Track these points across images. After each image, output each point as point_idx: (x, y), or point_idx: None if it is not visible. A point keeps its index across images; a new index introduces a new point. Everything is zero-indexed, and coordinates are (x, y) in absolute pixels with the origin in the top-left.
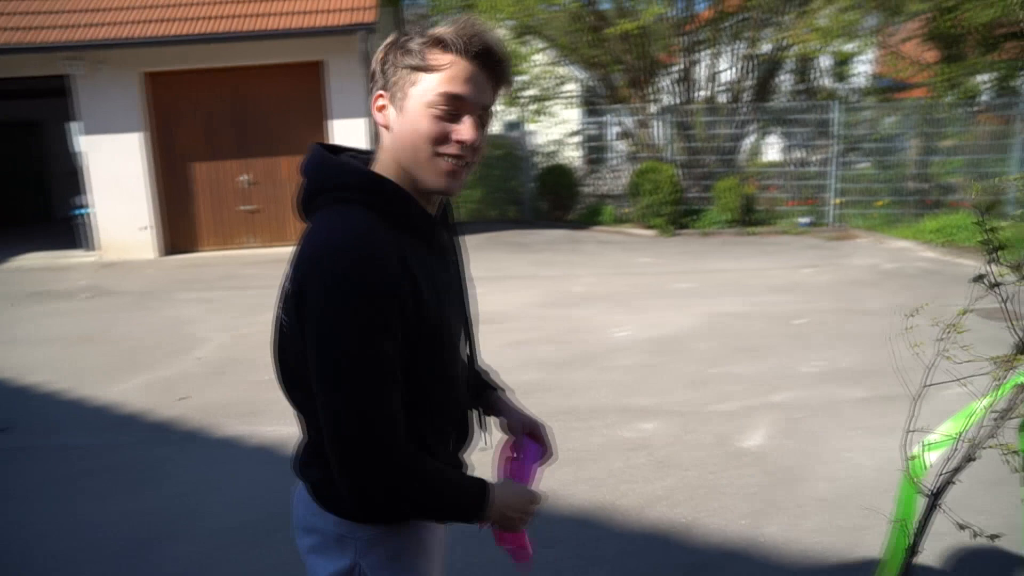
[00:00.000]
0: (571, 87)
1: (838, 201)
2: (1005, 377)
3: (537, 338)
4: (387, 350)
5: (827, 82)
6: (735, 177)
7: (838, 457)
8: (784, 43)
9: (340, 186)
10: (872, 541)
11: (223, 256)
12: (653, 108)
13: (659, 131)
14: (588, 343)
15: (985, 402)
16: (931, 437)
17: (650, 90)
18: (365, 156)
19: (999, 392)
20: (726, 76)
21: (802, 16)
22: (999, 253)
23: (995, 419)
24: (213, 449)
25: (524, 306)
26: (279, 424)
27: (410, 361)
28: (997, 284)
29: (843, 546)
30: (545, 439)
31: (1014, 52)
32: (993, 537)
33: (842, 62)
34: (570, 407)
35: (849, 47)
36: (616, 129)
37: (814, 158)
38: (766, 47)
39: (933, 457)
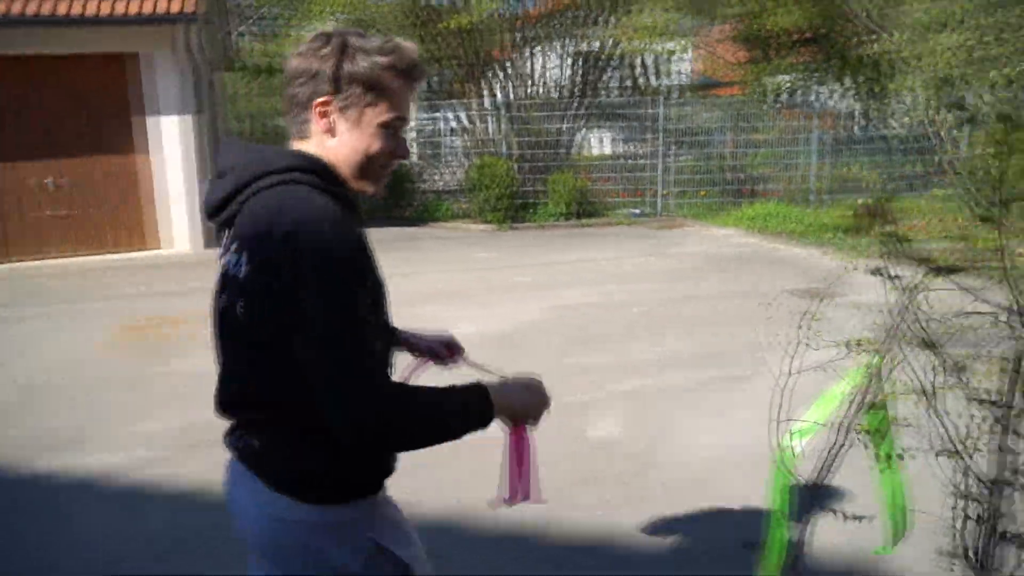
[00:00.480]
0: None
1: (666, 192)
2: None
3: None
4: (368, 303)
5: (652, 79)
6: (569, 171)
7: (687, 441)
8: (611, 41)
9: (288, 168)
10: (728, 522)
11: (30, 268)
12: (488, 103)
13: (494, 126)
14: None
15: (844, 386)
16: (798, 424)
17: (484, 85)
18: (266, 147)
19: (856, 376)
20: (557, 72)
21: (627, 15)
22: (900, 246)
23: (855, 403)
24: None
25: None
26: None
27: (373, 313)
28: (897, 277)
29: (700, 529)
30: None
31: (810, 55)
32: (859, 518)
33: (665, 60)
34: None
35: (671, 46)
36: (451, 124)
37: (642, 151)
38: (595, 44)
39: (800, 445)
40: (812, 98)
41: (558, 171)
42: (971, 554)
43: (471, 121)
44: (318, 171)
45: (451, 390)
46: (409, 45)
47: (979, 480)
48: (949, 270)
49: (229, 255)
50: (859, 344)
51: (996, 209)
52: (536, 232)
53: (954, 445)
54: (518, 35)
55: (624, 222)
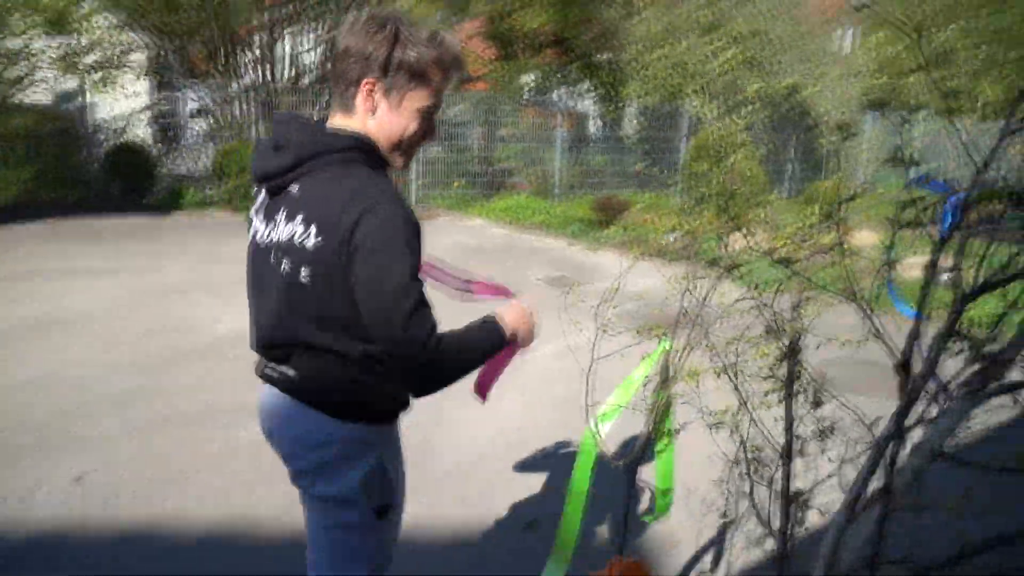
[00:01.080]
0: (139, 56)
1: (420, 183)
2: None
3: (129, 339)
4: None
5: None
6: None
7: (459, 430)
8: None
9: (347, 148)
10: (504, 505)
11: None
12: (235, 85)
13: (243, 110)
14: (191, 339)
15: (641, 371)
16: (602, 409)
17: (231, 66)
18: (321, 124)
19: (651, 360)
20: (310, 57)
21: (381, 3)
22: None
23: (656, 385)
24: None
25: (109, 304)
26: None
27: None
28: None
29: (481, 514)
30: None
31: (555, 57)
32: (666, 492)
33: None
34: (179, 413)
35: None
36: (194, 106)
37: None
38: None
39: (606, 428)
40: (556, 98)
41: None
42: (760, 515)
43: (220, 103)
44: (369, 151)
45: (474, 328)
46: (453, 40)
47: (759, 448)
48: (682, 253)
49: (293, 225)
50: (651, 331)
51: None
52: None
53: (750, 414)
54: (267, 15)
55: None
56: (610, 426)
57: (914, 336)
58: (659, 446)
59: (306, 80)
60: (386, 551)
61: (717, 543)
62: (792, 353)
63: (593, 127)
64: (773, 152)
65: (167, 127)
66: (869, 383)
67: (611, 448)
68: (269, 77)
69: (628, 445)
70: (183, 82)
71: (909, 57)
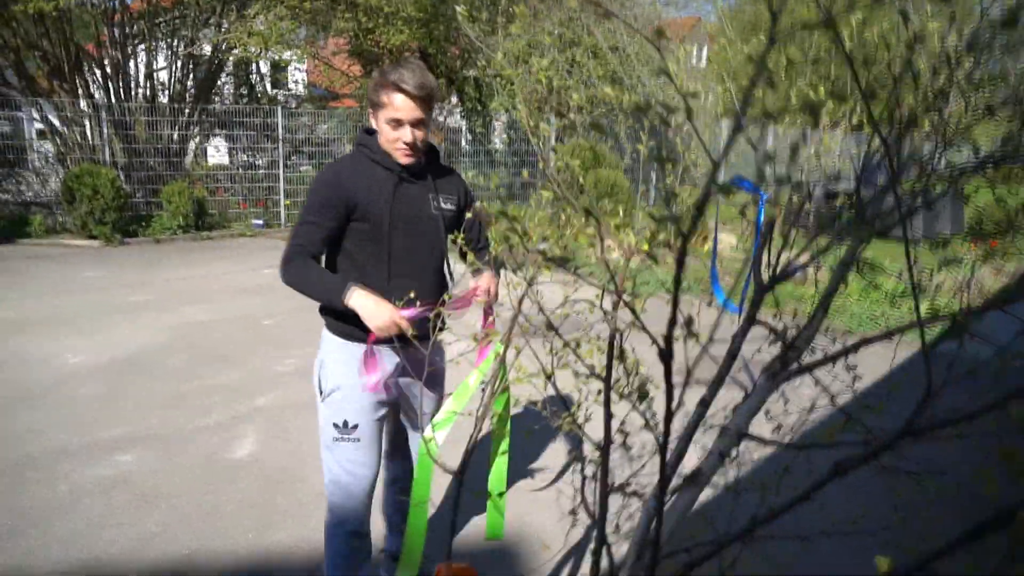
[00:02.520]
0: None
1: (288, 202)
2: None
3: None
4: (322, 214)
5: (268, 87)
6: (184, 180)
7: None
8: (224, 45)
9: (356, 141)
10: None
11: None
12: (84, 104)
13: (93, 130)
14: (33, 377)
15: (475, 377)
16: (438, 416)
17: (78, 83)
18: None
19: (485, 365)
20: (165, 75)
21: (240, 20)
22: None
23: (487, 391)
24: None
25: None
26: None
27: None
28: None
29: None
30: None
31: None
32: (501, 494)
33: (281, 69)
34: (23, 456)
35: (287, 55)
36: (37, 126)
37: (260, 161)
38: (206, 48)
39: (441, 436)
40: None
41: (173, 181)
42: (588, 507)
43: (63, 123)
44: (359, 142)
45: (326, 277)
46: (404, 65)
47: (593, 444)
48: (557, 261)
49: None
50: (486, 336)
51: (592, 206)
52: (152, 247)
53: (570, 417)
54: (116, 30)
55: (247, 233)
56: (445, 434)
57: (714, 327)
58: (494, 452)
59: (163, 99)
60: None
61: (584, 541)
62: (611, 348)
63: (464, 141)
64: (637, 162)
65: (7, 149)
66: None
67: (449, 456)
68: (121, 95)
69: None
70: (23, 100)
71: (752, 68)
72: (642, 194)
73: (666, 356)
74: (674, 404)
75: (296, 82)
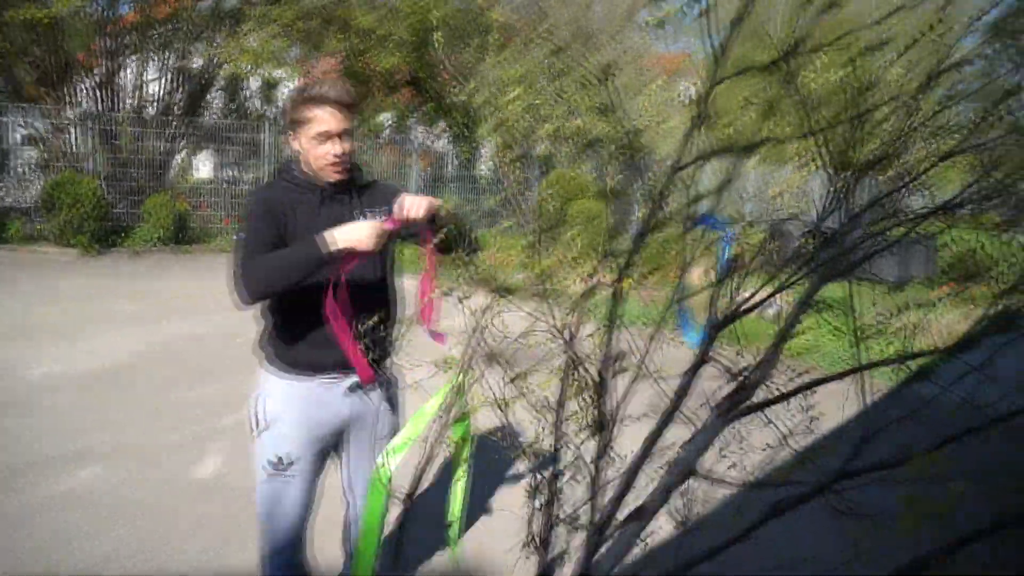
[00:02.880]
0: None
1: None
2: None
3: None
4: (260, 231)
5: (257, 103)
6: (167, 193)
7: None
8: (215, 60)
9: (274, 172)
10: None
11: None
12: (71, 113)
13: (78, 139)
14: (4, 387)
15: (433, 403)
16: (393, 442)
17: (67, 92)
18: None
19: (443, 393)
20: (155, 87)
21: (233, 36)
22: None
23: (443, 418)
24: None
25: None
26: None
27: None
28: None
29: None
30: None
31: (408, 96)
32: (449, 524)
33: (271, 86)
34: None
35: (278, 73)
36: (22, 132)
37: (246, 177)
38: (197, 62)
39: (395, 462)
40: (412, 136)
41: (156, 193)
42: (537, 539)
43: (49, 131)
44: (278, 171)
45: (288, 252)
46: (323, 80)
47: (544, 475)
48: (511, 291)
49: None
50: (446, 363)
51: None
52: (131, 258)
53: (522, 447)
54: (108, 40)
55: (228, 249)
56: (400, 459)
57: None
58: (454, 478)
59: (151, 111)
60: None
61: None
62: (564, 379)
63: (451, 166)
64: (621, 193)
65: None
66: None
67: (403, 482)
68: (110, 105)
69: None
70: (10, 106)
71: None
72: (615, 226)
73: (600, 388)
74: (612, 435)
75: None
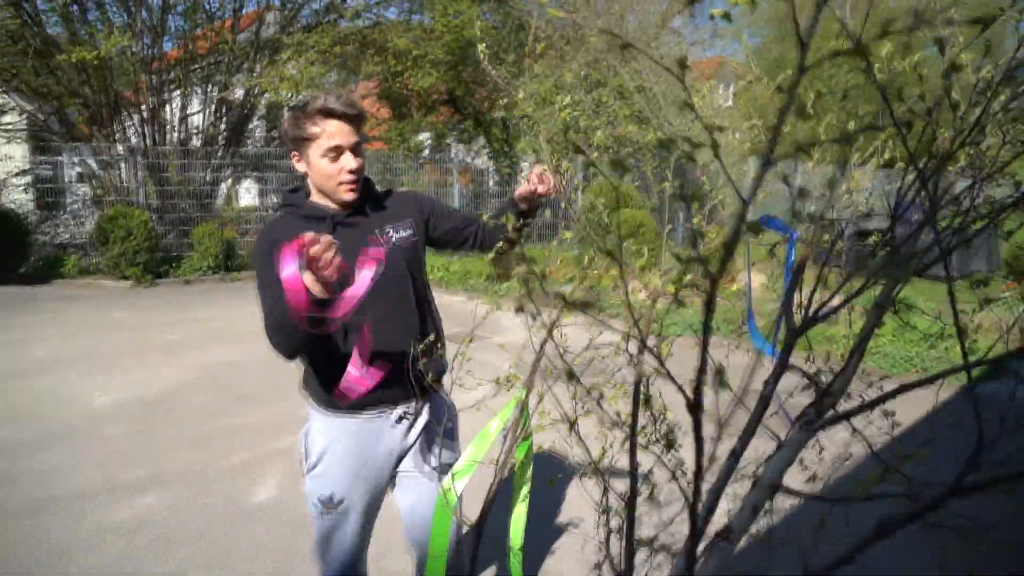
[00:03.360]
0: (12, 119)
1: None
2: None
3: None
4: (270, 285)
5: None
6: (214, 222)
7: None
8: (256, 90)
9: (280, 204)
10: (395, 568)
11: None
12: (120, 149)
13: (128, 174)
14: (62, 415)
15: (496, 423)
16: (457, 465)
17: (115, 129)
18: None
19: (506, 411)
20: (198, 119)
21: (272, 65)
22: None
23: (508, 438)
24: None
25: None
26: None
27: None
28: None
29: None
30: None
31: (446, 115)
32: (519, 551)
33: None
34: (48, 497)
35: None
36: (76, 170)
37: None
38: (238, 92)
39: (460, 485)
40: (452, 154)
41: (203, 223)
42: (614, 562)
43: (103, 167)
44: (284, 203)
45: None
46: (328, 94)
47: (617, 495)
48: (580, 305)
49: None
50: (508, 380)
51: (615, 248)
52: (182, 287)
53: (594, 465)
54: (154, 77)
55: None
56: (464, 483)
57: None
58: (515, 501)
59: (196, 142)
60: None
61: None
62: (636, 396)
63: (491, 182)
64: (663, 201)
65: (46, 192)
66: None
67: (469, 507)
68: (156, 139)
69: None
70: (63, 146)
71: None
72: (668, 232)
73: (696, 408)
74: (705, 458)
75: None
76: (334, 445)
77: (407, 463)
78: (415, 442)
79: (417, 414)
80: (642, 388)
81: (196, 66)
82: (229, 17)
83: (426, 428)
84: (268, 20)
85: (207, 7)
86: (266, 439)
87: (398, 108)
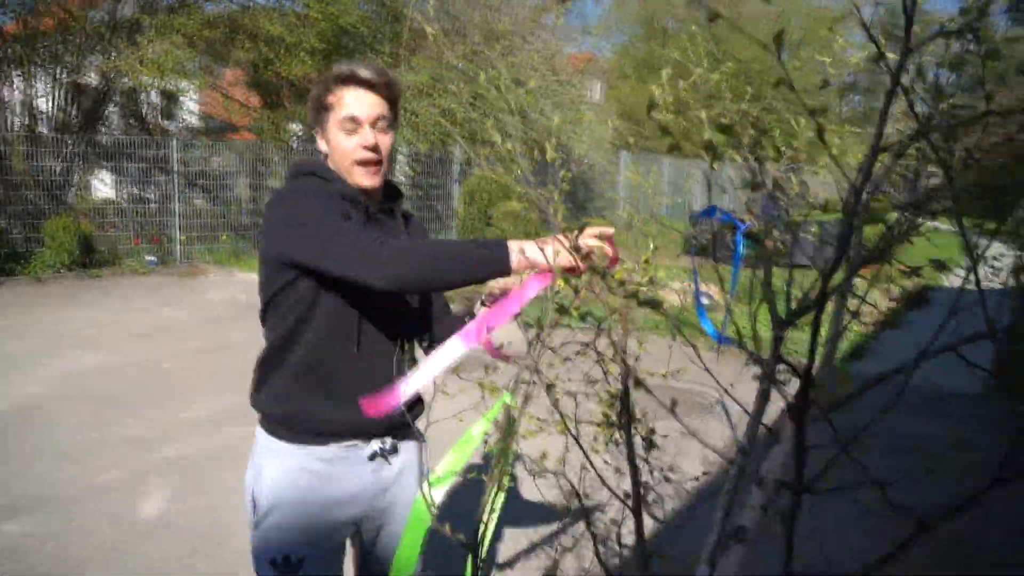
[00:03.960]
0: None
1: (184, 238)
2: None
3: None
4: (337, 215)
5: (158, 118)
6: (69, 215)
7: None
8: (113, 74)
9: (296, 173)
10: None
11: None
12: None
13: None
14: None
15: (480, 428)
16: (436, 471)
17: None
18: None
19: (490, 416)
20: (46, 103)
21: (132, 47)
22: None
23: (490, 443)
24: None
25: None
26: None
27: None
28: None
29: None
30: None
31: None
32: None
33: (173, 99)
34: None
35: (183, 85)
36: None
37: (152, 194)
38: (93, 76)
39: (439, 494)
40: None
41: (55, 216)
42: (609, 570)
43: None
44: (313, 170)
45: (459, 245)
46: (354, 62)
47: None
48: (647, 303)
49: None
50: (489, 385)
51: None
52: (33, 287)
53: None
54: None
55: (141, 271)
56: (444, 492)
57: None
58: (489, 505)
59: (43, 128)
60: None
61: None
62: (626, 395)
63: None
64: (533, 198)
65: None
66: (684, 410)
67: (445, 517)
68: None
69: (465, 515)
70: None
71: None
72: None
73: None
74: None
75: (191, 113)
76: (290, 489)
77: (374, 512)
78: (387, 488)
79: (392, 451)
80: (619, 389)
81: (40, 45)
82: None
83: (400, 473)
84: None
85: None
86: (146, 450)
87: (269, 97)
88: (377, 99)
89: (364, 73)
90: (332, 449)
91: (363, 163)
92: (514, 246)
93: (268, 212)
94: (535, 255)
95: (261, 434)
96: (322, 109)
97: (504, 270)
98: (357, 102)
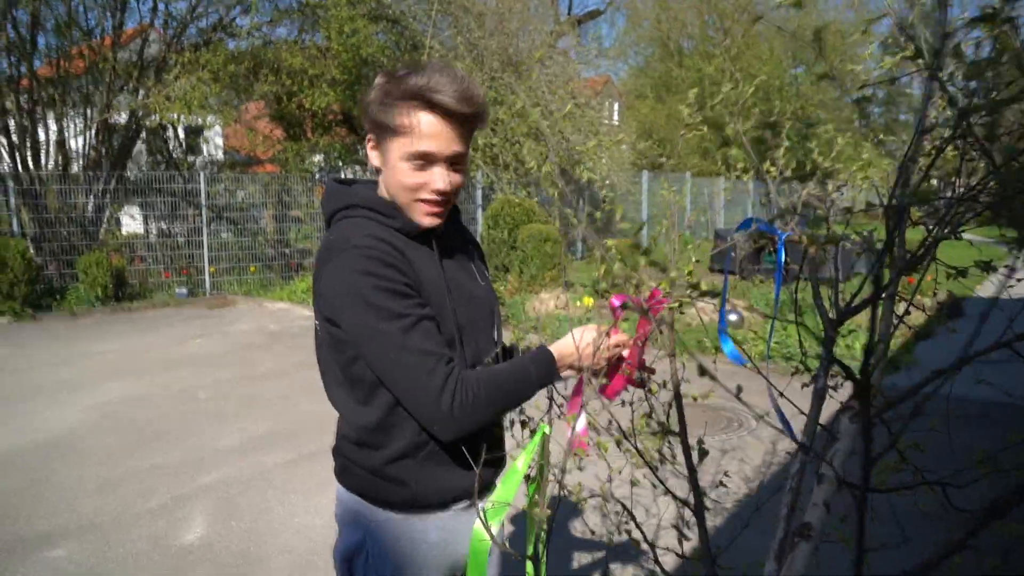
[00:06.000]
0: None
1: (213, 270)
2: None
3: None
4: (407, 304)
5: (184, 153)
6: (102, 250)
7: (288, 526)
8: (142, 111)
9: (349, 206)
10: None
11: None
12: None
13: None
14: None
15: (523, 460)
16: (487, 504)
17: None
18: (372, 183)
19: (531, 447)
20: (78, 142)
21: (159, 85)
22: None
23: (537, 472)
24: None
25: None
26: None
27: None
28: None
29: None
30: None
31: (343, 135)
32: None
33: (197, 133)
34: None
35: (209, 120)
36: None
37: (181, 228)
38: (123, 114)
39: (496, 527)
40: (351, 175)
41: (89, 251)
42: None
43: None
44: (366, 207)
45: (517, 363)
46: (444, 73)
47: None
48: (705, 293)
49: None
50: (524, 417)
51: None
52: (68, 321)
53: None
54: (24, 97)
55: (172, 303)
56: (498, 524)
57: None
58: (532, 537)
59: (76, 167)
60: None
61: None
62: (679, 406)
63: None
64: (565, 216)
65: None
66: (710, 426)
67: (507, 543)
68: (31, 164)
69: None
70: None
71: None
72: (570, 246)
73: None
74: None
75: (217, 147)
76: (421, 564)
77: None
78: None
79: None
80: (675, 396)
81: (72, 86)
82: (108, 35)
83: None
84: (152, 37)
85: (83, 24)
86: (184, 478)
87: (292, 129)
88: (458, 132)
89: (449, 100)
90: (449, 514)
91: (428, 203)
92: (555, 352)
93: (327, 277)
94: (565, 350)
95: (366, 508)
96: (385, 129)
97: (553, 382)
98: (435, 137)
